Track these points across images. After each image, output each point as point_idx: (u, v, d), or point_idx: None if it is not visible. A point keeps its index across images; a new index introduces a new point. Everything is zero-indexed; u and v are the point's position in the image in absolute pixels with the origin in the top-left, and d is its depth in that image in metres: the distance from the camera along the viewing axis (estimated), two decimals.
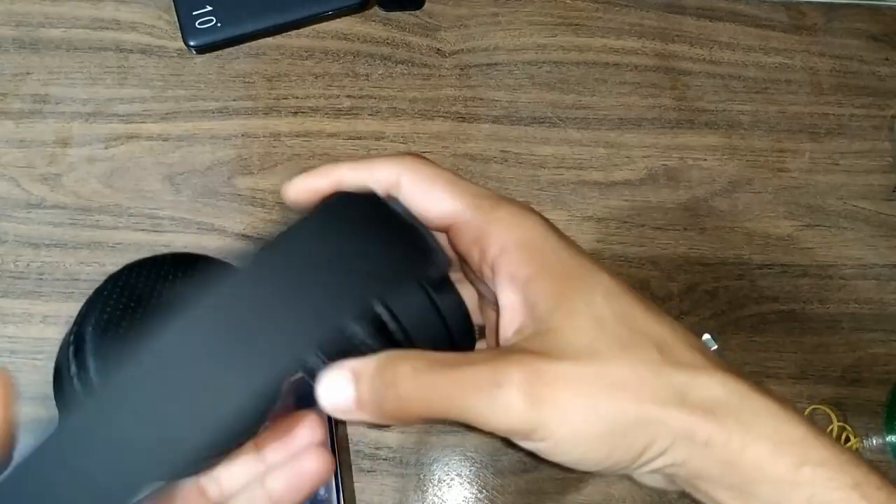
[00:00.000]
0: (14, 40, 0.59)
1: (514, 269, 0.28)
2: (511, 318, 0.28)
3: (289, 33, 0.61)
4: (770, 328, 0.58)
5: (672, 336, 0.27)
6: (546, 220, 0.29)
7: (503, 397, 0.25)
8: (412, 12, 0.62)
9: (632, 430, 0.25)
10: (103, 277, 0.30)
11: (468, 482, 0.54)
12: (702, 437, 0.25)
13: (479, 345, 0.32)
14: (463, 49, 0.62)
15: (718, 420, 0.25)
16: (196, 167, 0.57)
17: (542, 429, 0.25)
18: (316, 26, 0.61)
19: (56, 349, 0.29)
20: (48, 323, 0.53)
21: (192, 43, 0.59)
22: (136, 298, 0.28)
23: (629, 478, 0.28)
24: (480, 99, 0.61)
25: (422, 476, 0.53)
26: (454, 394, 0.25)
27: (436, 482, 0.53)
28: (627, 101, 0.62)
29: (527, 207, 0.29)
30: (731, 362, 0.27)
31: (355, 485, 0.52)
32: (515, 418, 0.25)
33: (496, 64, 0.62)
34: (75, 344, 0.27)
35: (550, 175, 0.60)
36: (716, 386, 0.26)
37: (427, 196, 0.29)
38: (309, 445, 0.29)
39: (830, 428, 0.56)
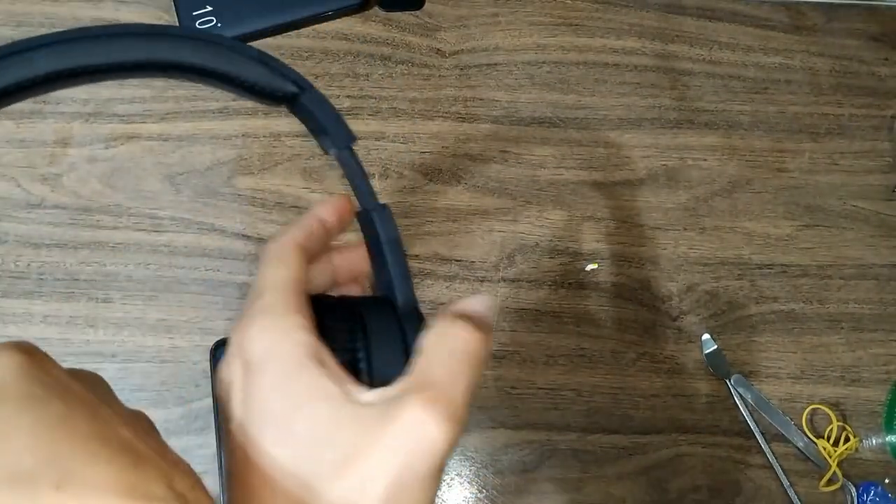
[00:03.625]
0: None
1: None
2: None
3: (289, 33, 0.61)
4: (770, 328, 0.59)
5: None
6: None
7: None
8: (412, 12, 0.62)
9: None
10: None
11: (468, 482, 0.54)
12: None
13: None
14: (463, 49, 0.62)
15: None
16: (196, 167, 0.57)
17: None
18: (316, 27, 0.61)
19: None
20: (48, 323, 0.53)
21: None
22: None
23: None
24: (480, 99, 0.61)
25: None
26: None
27: None
28: (627, 101, 0.62)
29: None
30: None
31: None
32: None
33: (496, 64, 0.62)
34: None
35: (550, 175, 0.60)
36: None
37: None
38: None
39: (830, 428, 0.56)
